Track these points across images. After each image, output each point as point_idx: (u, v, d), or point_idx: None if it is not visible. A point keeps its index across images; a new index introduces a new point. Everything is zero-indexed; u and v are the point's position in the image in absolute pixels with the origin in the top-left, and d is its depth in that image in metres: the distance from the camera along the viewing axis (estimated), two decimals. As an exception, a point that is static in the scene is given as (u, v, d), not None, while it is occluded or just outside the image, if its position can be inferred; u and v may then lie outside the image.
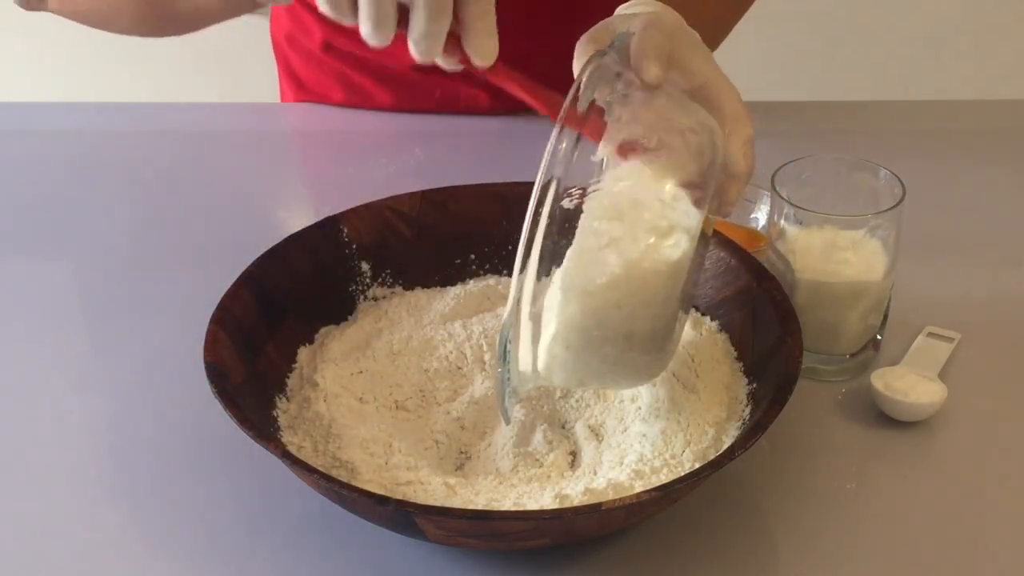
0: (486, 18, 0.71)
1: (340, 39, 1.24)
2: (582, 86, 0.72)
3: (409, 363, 0.89)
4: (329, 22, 1.24)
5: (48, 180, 1.20)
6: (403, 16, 0.71)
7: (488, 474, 0.82)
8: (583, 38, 0.79)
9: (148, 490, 0.85)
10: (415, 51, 0.72)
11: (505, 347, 0.74)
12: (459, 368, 0.89)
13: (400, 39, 0.72)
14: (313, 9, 1.24)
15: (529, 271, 0.71)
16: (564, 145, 0.69)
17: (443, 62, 0.73)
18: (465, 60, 0.74)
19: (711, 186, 0.75)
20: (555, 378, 0.77)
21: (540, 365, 0.76)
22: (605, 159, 0.72)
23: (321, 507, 0.80)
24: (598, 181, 0.72)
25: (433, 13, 0.69)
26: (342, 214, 0.94)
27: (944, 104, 1.38)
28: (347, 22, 0.71)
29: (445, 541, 0.75)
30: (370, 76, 1.25)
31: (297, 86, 1.31)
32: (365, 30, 0.71)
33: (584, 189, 0.72)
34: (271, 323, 0.88)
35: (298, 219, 1.09)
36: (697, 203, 0.74)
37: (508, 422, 0.80)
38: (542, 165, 0.69)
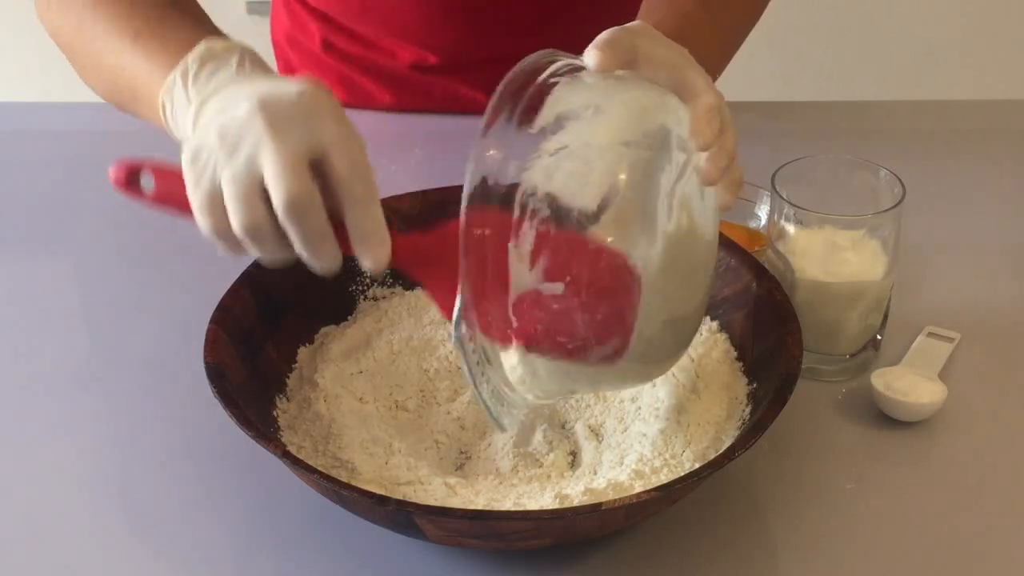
0: (366, 222, 0.71)
1: (340, 39, 1.24)
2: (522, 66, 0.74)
3: (409, 363, 0.89)
4: (328, 21, 1.24)
5: (48, 180, 1.20)
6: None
7: (488, 474, 0.82)
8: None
9: (148, 490, 0.85)
10: (315, 269, 0.73)
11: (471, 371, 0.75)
12: (459, 368, 0.89)
13: None
14: (312, 9, 1.24)
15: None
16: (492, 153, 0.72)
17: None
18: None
19: (668, 151, 0.74)
20: (536, 395, 0.78)
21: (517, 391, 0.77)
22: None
23: (321, 507, 0.80)
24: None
25: (311, 248, 0.71)
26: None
27: (944, 104, 1.38)
28: (239, 250, 0.73)
29: (445, 541, 0.75)
30: (370, 76, 1.24)
31: None
32: (257, 255, 0.73)
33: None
34: (271, 323, 0.88)
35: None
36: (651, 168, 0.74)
37: (504, 429, 0.80)
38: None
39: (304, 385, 0.87)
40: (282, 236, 0.71)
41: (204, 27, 0.83)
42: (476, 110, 1.31)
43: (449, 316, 0.74)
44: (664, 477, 0.78)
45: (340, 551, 0.80)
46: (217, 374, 0.79)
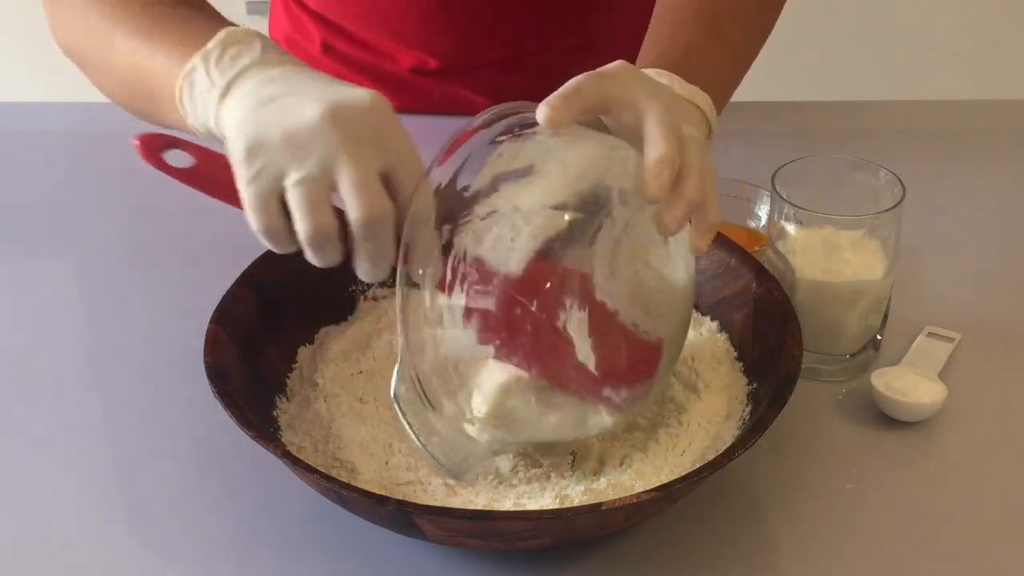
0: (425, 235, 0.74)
1: (340, 42, 1.24)
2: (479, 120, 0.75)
3: (409, 363, 0.89)
4: (328, 24, 1.24)
5: (48, 180, 1.20)
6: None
7: (488, 474, 0.82)
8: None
9: (148, 490, 0.85)
10: (363, 278, 0.75)
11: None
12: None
13: None
14: (312, 12, 1.24)
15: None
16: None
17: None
18: None
19: (605, 209, 0.74)
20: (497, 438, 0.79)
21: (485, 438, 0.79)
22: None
23: (321, 507, 0.80)
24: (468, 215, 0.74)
25: (377, 263, 0.73)
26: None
27: (944, 104, 1.38)
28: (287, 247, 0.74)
29: (445, 541, 0.75)
30: (370, 79, 1.24)
31: None
32: (310, 258, 0.74)
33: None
34: (271, 323, 0.88)
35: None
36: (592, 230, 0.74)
37: (460, 478, 0.80)
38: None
39: (304, 385, 0.87)
40: (342, 245, 0.72)
41: (219, 20, 0.82)
42: (475, 112, 1.31)
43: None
44: (664, 477, 0.78)
45: (340, 551, 0.80)
46: (217, 374, 0.79)
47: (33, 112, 1.36)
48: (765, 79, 2.24)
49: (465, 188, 0.74)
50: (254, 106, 0.73)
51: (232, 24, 0.81)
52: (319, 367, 0.88)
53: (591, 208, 0.74)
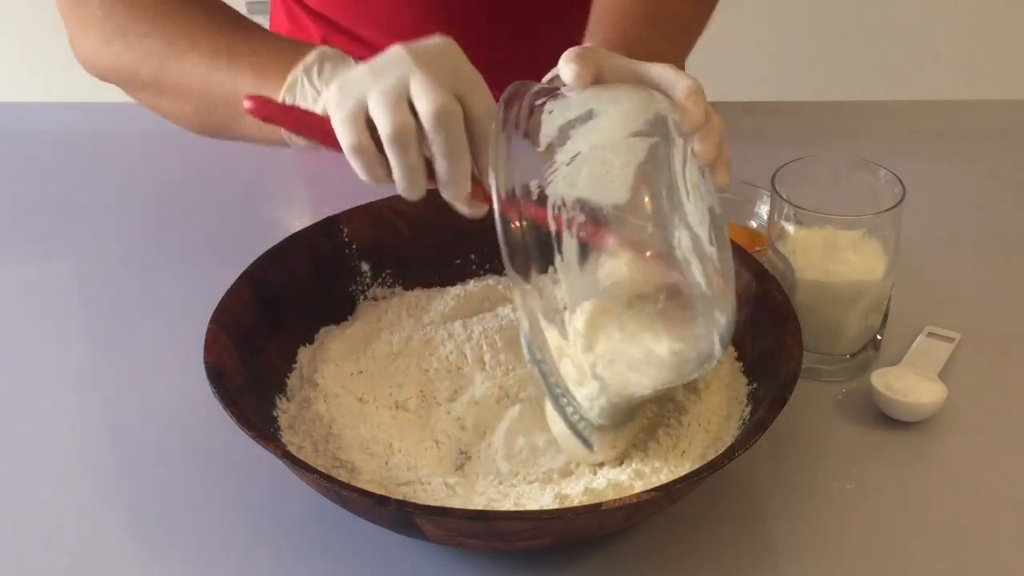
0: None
1: (340, 40, 1.24)
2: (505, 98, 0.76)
3: (409, 363, 0.89)
4: (328, 23, 1.24)
5: (48, 180, 1.20)
6: (431, 170, 0.78)
7: (488, 474, 0.82)
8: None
9: (148, 490, 0.85)
10: (446, 196, 0.79)
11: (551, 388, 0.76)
12: (459, 368, 0.89)
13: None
14: (312, 11, 1.24)
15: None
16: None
17: (469, 209, 0.80)
18: (486, 198, 0.79)
19: (671, 135, 0.76)
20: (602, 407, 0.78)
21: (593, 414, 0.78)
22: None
23: (321, 507, 0.80)
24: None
25: (452, 160, 0.76)
26: (342, 214, 0.94)
27: (944, 104, 1.38)
28: (383, 182, 0.78)
29: (445, 541, 0.75)
30: None
31: None
32: (400, 187, 0.78)
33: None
34: (271, 323, 0.88)
35: (298, 219, 1.09)
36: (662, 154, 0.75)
37: (592, 449, 0.80)
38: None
39: (304, 385, 0.87)
40: (421, 148, 0.76)
41: (290, 39, 0.87)
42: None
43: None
44: (664, 477, 0.78)
45: (340, 551, 0.80)
46: (217, 374, 0.79)
47: (33, 112, 1.36)
48: (765, 79, 2.25)
49: (534, 149, 0.75)
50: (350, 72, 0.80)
51: (306, 44, 0.86)
52: (319, 367, 0.88)
53: (660, 132, 0.75)
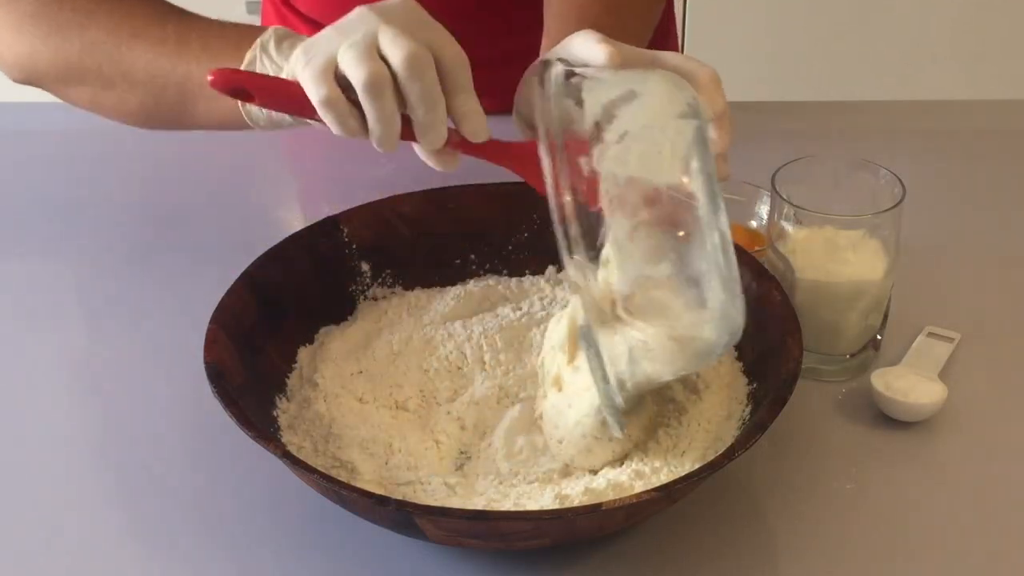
0: (471, 103, 0.78)
1: None
2: (551, 95, 0.76)
3: (409, 363, 0.89)
4: (320, 28, 1.24)
5: (48, 180, 1.20)
6: (406, 127, 0.78)
7: (488, 474, 0.82)
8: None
9: (148, 490, 0.85)
10: (424, 145, 0.79)
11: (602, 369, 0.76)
12: (459, 368, 0.89)
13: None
14: (303, 16, 1.24)
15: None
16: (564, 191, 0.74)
17: (442, 163, 0.81)
18: (459, 143, 0.80)
19: (706, 119, 0.76)
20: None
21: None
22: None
23: (321, 507, 0.80)
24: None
25: (429, 106, 0.76)
26: (342, 214, 0.94)
27: (944, 104, 1.38)
28: (357, 135, 0.78)
29: (445, 541, 0.75)
30: None
31: None
32: (375, 137, 0.78)
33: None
34: (271, 323, 0.88)
35: (298, 219, 1.09)
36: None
37: (621, 432, 0.79)
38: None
39: (304, 385, 0.87)
40: (396, 97, 0.76)
41: (238, 24, 0.87)
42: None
43: (541, 189, 0.76)
44: (664, 477, 0.78)
45: (340, 551, 0.80)
46: (217, 374, 0.79)
47: (33, 112, 1.36)
48: (765, 79, 2.25)
49: (579, 125, 0.75)
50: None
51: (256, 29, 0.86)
52: (319, 367, 0.88)
53: (700, 116, 0.75)
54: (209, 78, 0.77)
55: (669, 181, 0.74)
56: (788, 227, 0.90)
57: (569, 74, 0.77)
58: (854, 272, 0.89)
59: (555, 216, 0.73)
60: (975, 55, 2.32)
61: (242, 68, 0.82)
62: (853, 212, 0.89)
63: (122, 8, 0.89)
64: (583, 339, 0.75)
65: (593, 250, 0.74)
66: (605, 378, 0.75)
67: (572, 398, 0.81)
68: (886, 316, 0.93)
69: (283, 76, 0.82)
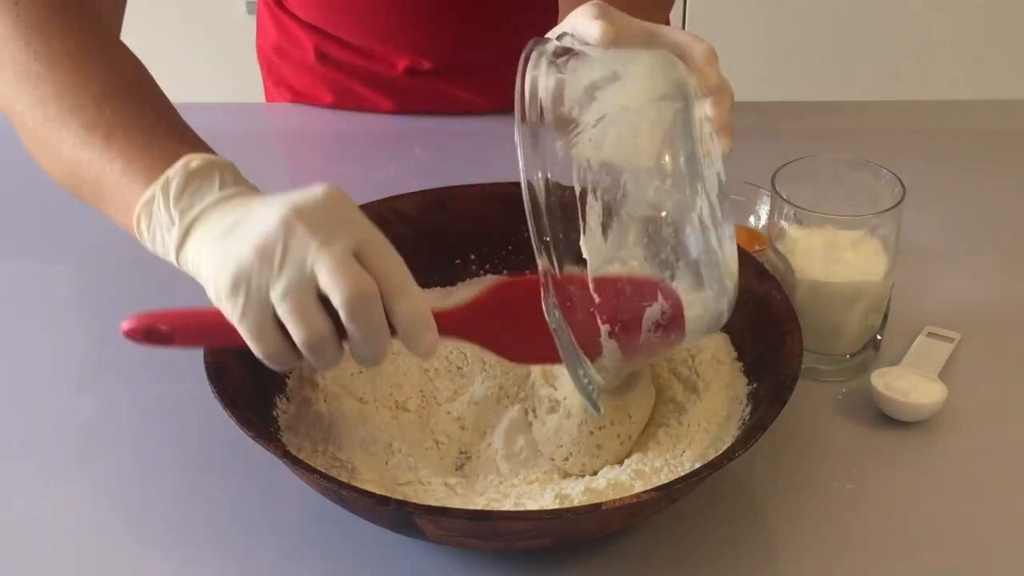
0: (414, 314, 0.72)
1: (333, 49, 1.24)
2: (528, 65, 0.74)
3: (409, 363, 0.89)
4: (320, 33, 1.24)
5: (48, 180, 1.20)
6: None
7: (488, 474, 0.82)
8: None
9: (148, 490, 0.85)
10: (363, 366, 0.74)
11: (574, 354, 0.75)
12: (459, 368, 0.89)
13: None
14: (302, 22, 1.24)
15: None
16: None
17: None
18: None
19: (692, 100, 0.75)
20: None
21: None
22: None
23: (321, 507, 0.80)
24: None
25: (374, 343, 0.71)
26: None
27: (944, 104, 1.38)
28: (293, 365, 0.73)
29: (445, 541, 0.75)
30: (365, 83, 1.25)
31: (293, 95, 1.31)
32: (315, 366, 0.72)
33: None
34: (271, 323, 0.88)
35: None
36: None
37: (600, 413, 0.79)
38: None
39: (304, 385, 0.87)
40: (340, 341, 0.71)
41: (177, 129, 0.80)
42: (473, 112, 1.31)
43: (516, 362, 0.78)
44: (664, 477, 0.78)
45: (340, 551, 0.80)
46: (217, 374, 0.79)
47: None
48: (765, 79, 2.25)
49: (560, 107, 0.74)
50: (220, 237, 0.72)
51: (188, 131, 0.80)
52: (319, 367, 0.88)
53: (683, 97, 0.75)
54: (123, 327, 0.73)
55: (641, 165, 0.73)
56: (788, 227, 0.90)
57: (562, 52, 0.76)
58: (854, 272, 0.89)
59: (528, 208, 0.72)
60: (975, 55, 2.32)
61: (139, 204, 0.76)
62: (853, 212, 0.89)
63: (81, 70, 0.83)
64: (549, 318, 0.74)
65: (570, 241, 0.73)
66: (576, 359, 0.75)
67: (568, 407, 0.81)
68: (886, 316, 0.93)
69: (175, 234, 0.75)
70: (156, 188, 0.75)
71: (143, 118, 0.80)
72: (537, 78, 0.74)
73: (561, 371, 0.82)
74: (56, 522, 0.83)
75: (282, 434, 0.83)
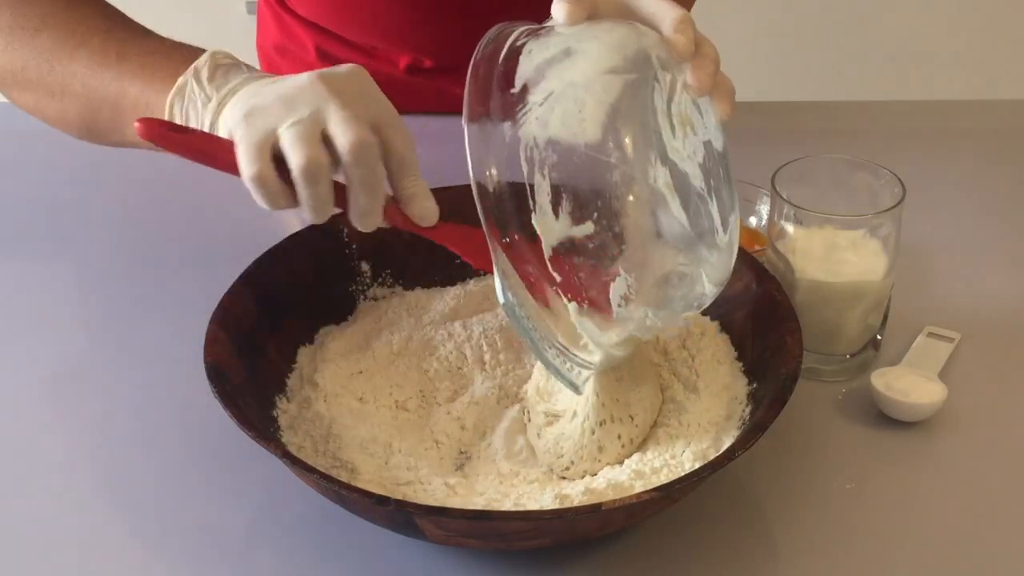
0: (419, 185, 0.78)
1: (334, 47, 1.24)
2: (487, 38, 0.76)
3: (409, 363, 0.89)
4: (321, 31, 1.24)
5: (48, 180, 1.20)
6: (340, 193, 0.77)
7: (488, 474, 0.82)
8: None
9: (148, 490, 0.85)
10: (357, 225, 0.78)
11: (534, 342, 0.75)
12: (459, 368, 0.89)
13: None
14: (303, 20, 1.24)
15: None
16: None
17: (363, 226, 0.79)
18: (407, 223, 0.80)
19: (652, 70, 0.75)
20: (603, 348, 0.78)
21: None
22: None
23: (321, 507, 0.80)
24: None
25: (370, 193, 0.76)
26: (342, 214, 0.94)
27: (944, 104, 1.38)
28: (283, 209, 0.77)
29: (445, 541, 0.75)
30: None
31: None
32: (307, 215, 0.77)
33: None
34: (271, 323, 0.88)
35: (298, 219, 1.09)
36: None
37: (579, 392, 0.79)
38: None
39: (304, 385, 0.87)
40: (333, 185, 0.75)
41: (185, 45, 0.86)
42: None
43: (482, 268, 0.77)
44: (664, 477, 0.78)
45: (340, 551, 0.80)
46: (217, 374, 0.79)
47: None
48: (765, 79, 2.25)
49: (510, 89, 0.74)
50: (254, 92, 0.78)
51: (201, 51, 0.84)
52: (319, 367, 0.88)
53: (640, 69, 0.74)
54: (136, 126, 0.76)
55: (587, 140, 0.73)
56: (788, 227, 0.90)
57: (531, 32, 0.76)
58: (854, 272, 0.89)
59: (476, 196, 0.73)
60: (975, 55, 2.32)
61: (172, 92, 0.81)
62: (853, 212, 0.89)
63: (75, 16, 0.88)
64: (507, 314, 0.75)
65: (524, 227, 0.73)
66: (538, 346, 0.75)
67: (565, 411, 0.81)
68: (886, 316, 0.93)
69: (211, 108, 0.80)
70: (188, 76, 0.81)
71: (148, 39, 0.87)
72: (489, 60, 0.75)
73: (557, 385, 0.82)
74: (56, 522, 0.83)
75: (282, 434, 0.83)
